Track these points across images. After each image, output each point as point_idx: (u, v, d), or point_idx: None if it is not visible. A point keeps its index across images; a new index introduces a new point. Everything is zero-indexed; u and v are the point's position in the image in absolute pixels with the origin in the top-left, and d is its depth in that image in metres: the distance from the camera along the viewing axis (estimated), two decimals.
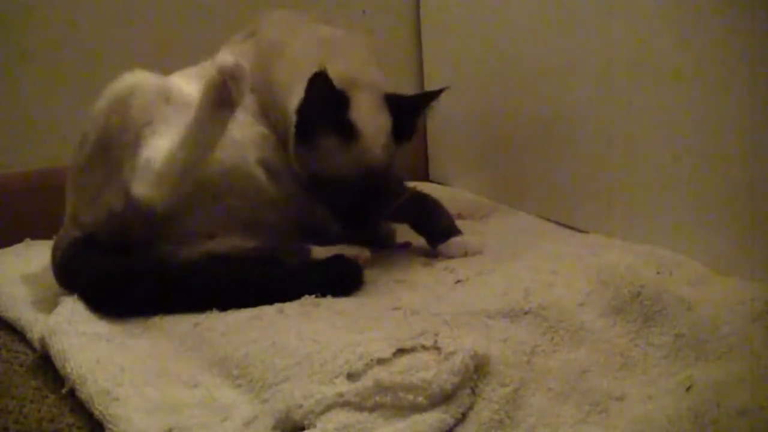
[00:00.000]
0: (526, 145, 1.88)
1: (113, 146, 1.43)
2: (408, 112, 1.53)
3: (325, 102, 1.44)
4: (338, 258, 1.46)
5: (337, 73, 1.43)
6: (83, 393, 1.14)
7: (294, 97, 1.47)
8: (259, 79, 1.52)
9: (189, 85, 1.51)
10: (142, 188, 1.37)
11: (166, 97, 1.46)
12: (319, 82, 1.41)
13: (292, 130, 1.48)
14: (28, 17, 1.87)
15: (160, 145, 1.39)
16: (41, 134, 1.91)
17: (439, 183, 2.20)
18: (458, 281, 1.45)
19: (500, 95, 1.93)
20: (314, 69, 1.41)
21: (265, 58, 1.58)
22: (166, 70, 1.67)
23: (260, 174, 1.50)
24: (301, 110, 1.46)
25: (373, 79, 1.54)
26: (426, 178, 2.25)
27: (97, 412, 1.10)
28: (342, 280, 1.41)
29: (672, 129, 1.50)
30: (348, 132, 1.46)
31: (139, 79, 1.48)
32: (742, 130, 1.37)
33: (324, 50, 1.54)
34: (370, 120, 1.48)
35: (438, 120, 2.10)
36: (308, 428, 1.02)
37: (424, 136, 2.24)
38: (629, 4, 1.57)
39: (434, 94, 1.55)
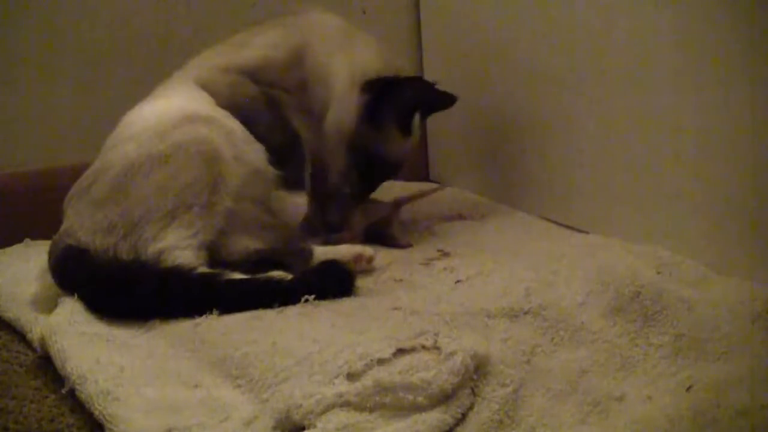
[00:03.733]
0: (526, 145, 1.88)
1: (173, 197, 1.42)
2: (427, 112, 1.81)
3: (416, 104, 1.70)
4: (330, 264, 1.46)
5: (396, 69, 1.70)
6: (83, 393, 1.14)
7: (342, 72, 1.65)
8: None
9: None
10: (184, 258, 1.39)
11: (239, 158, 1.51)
12: (427, 86, 1.69)
13: (351, 103, 1.65)
14: (27, 17, 1.87)
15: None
16: (41, 134, 1.91)
17: (439, 183, 2.20)
18: (458, 281, 1.45)
19: (500, 95, 1.93)
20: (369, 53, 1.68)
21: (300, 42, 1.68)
22: (166, 69, 1.68)
23: (273, 174, 1.55)
24: (383, 96, 1.64)
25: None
26: (426, 178, 2.24)
27: (97, 412, 1.10)
28: (332, 288, 1.39)
29: (672, 129, 1.50)
30: (407, 130, 1.70)
31: (217, 138, 1.48)
32: (742, 130, 1.37)
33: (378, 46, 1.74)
34: (417, 122, 1.74)
35: (438, 120, 2.10)
36: (308, 428, 1.03)
37: (424, 136, 2.23)
38: (629, 4, 1.57)
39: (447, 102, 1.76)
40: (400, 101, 1.66)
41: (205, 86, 1.60)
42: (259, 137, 1.57)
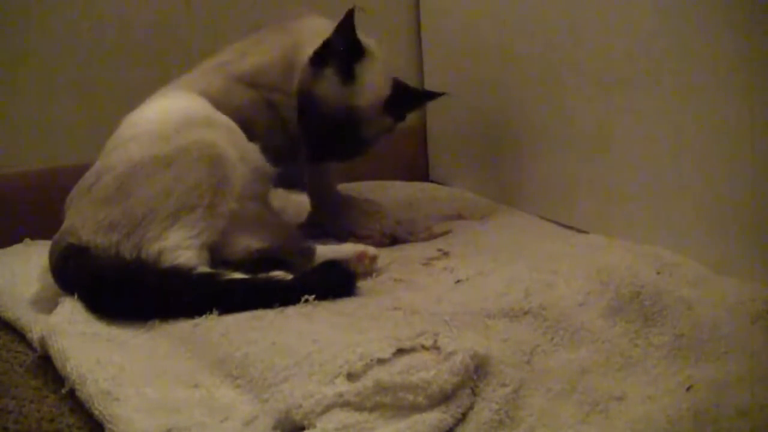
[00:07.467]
0: (526, 145, 1.88)
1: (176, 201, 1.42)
2: (406, 100, 1.72)
3: (345, 40, 1.61)
4: (331, 264, 1.45)
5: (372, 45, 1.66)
6: (83, 393, 1.14)
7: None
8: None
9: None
10: (186, 258, 1.39)
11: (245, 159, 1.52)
12: (348, 20, 1.59)
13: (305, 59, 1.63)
14: (27, 17, 1.87)
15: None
16: (41, 134, 1.91)
17: (439, 183, 2.20)
18: (458, 281, 1.45)
19: (500, 95, 1.93)
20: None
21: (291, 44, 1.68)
22: (166, 71, 1.68)
23: (271, 171, 1.56)
24: (325, 42, 1.61)
25: (393, 65, 1.75)
26: (426, 178, 2.24)
27: (97, 412, 1.10)
28: (333, 288, 1.39)
29: (672, 129, 1.50)
30: (347, 75, 1.62)
31: (221, 141, 1.49)
32: (742, 130, 1.37)
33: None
34: (371, 78, 1.65)
35: (438, 120, 2.11)
36: (308, 428, 1.03)
37: (424, 136, 2.23)
38: (629, 4, 1.57)
39: (433, 95, 1.77)
40: (335, 40, 1.61)
41: (203, 93, 1.60)
42: (257, 138, 1.57)
